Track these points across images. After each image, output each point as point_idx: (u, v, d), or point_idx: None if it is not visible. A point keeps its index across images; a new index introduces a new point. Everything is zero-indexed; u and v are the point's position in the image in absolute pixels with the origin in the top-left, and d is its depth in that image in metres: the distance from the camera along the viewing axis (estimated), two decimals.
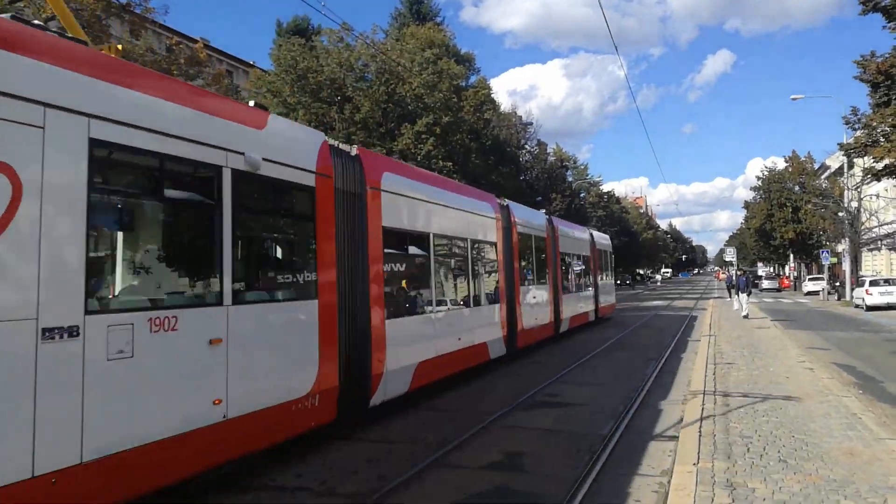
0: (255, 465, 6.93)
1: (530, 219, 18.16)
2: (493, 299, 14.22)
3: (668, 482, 6.22)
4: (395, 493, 6.32)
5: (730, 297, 27.69)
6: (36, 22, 5.49)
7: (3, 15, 4.90)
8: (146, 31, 20.97)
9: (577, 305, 22.12)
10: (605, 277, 27.85)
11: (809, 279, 52.88)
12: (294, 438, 7.34)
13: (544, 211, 20.57)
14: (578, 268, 22.82)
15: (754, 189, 64.18)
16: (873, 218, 41.58)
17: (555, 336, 19.07)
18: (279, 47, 28.01)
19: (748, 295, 26.70)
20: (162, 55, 21.51)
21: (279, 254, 8.43)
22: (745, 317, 25.23)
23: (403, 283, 10.71)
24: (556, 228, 20.14)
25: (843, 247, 43.56)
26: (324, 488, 6.56)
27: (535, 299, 17.29)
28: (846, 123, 31.48)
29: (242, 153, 6.65)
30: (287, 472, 7.04)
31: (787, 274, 69.55)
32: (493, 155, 36.16)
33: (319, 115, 26.33)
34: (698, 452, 6.82)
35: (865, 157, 32.24)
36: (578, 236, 23.71)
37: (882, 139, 28.26)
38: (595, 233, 27.78)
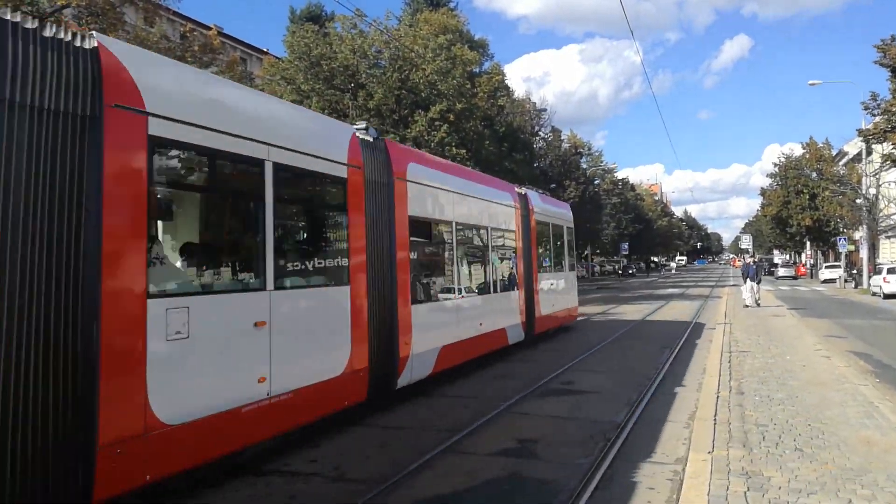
0: (270, 450, 6.97)
1: (252, 122, 6.89)
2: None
3: (683, 470, 6.20)
4: (407, 478, 6.33)
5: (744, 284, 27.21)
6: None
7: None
8: (160, 19, 20.99)
9: (473, 321, 12.22)
10: (556, 267, 18.30)
11: (826, 267, 52.40)
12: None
13: (364, 125, 9.86)
14: (483, 252, 13.46)
15: (771, 176, 63.52)
16: (891, 205, 41.04)
17: (381, 393, 9.10)
18: (292, 34, 27.91)
19: (758, 283, 26.26)
20: (176, 43, 21.53)
21: None
22: (758, 305, 24.98)
23: None
24: (396, 163, 9.79)
25: (860, 234, 43.10)
26: (336, 473, 6.59)
27: (250, 335, 6.55)
28: (865, 109, 31.12)
29: None
30: (300, 457, 7.07)
31: (804, 261, 68.93)
32: (506, 142, 36.00)
33: (333, 102, 26.28)
34: (713, 440, 6.78)
35: (884, 144, 31.78)
36: (481, 194, 13.28)
37: None
38: (532, 194, 16.93)
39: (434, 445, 7.34)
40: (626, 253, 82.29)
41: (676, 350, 14.62)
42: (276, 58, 31.51)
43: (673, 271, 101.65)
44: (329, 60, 25.82)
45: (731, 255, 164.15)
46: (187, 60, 19.30)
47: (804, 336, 15.69)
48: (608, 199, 70.22)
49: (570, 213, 20.90)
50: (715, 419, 7.67)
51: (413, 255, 10.26)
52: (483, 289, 13.35)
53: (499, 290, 13.95)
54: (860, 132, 33.96)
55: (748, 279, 26.25)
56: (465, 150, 27.01)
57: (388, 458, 7.00)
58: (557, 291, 17.96)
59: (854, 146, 48.33)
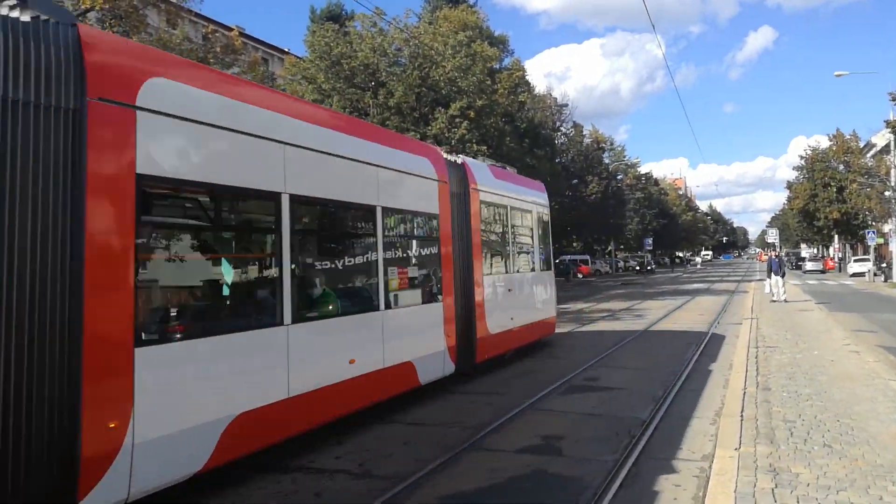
0: (295, 447, 7.02)
1: None
2: None
3: (710, 467, 6.14)
4: (431, 475, 6.35)
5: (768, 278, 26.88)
6: None
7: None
8: (182, 21, 21.18)
9: (330, 357, 7.59)
10: (519, 266, 13.77)
11: (855, 260, 51.62)
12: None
13: None
14: (364, 246, 8.79)
15: (797, 169, 62.55)
16: None
17: None
18: (313, 33, 28.06)
19: (782, 277, 25.90)
20: (198, 44, 21.71)
21: None
22: (785, 301, 24.59)
23: None
24: (100, 72, 5.08)
25: (889, 227, 42.35)
26: (361, 470, 6.62)
27: None
28: (893, 100, 30.57)
29: None
30: (325, 454, 7.12)
31: (832, 255, 67.93)
32: (527, 138, 35.91)
33: (354, 100, 26.38)
34: (740, 437, 6.71)
35: None
36: (359, 153, 8.49)
37: None
38: (476, 165, 12.51)
39: (458, 442, 7.35)
40: (650, 248, 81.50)
41: (702, 346, 14.48)
42: (298, 57, 31.68)
43: (698, 266, 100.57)
44: (349, 59, 25.91)
45: (758, 250, 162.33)
46: (209, 61, 19.49)
47: (832, 331, 15.46)
48: (631, 195, 69.78)
49: (545, 194, 16.08)
50: (742, 415, 7.59)
51: (150, 252, 5.78)
52: (361, 303, 8.50)
53: (398, 303, 9.10)
54: (888, 123, 33.42)
55: (772, 273, 25.95)
56: (485, 147, 26.95)
57: (412, 455, 7.02)
58: (520, 299, 13.53)
59: (882, 137, 47.46)
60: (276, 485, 6.25)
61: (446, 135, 26.05)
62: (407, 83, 26.19)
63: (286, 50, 42.66)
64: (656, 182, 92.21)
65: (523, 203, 14.33)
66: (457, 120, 26.35)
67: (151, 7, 19.06)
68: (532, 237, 14.82)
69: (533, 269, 14.64)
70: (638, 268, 73.11)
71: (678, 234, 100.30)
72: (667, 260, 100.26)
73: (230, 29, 23.79)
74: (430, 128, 26.30)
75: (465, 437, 7.59)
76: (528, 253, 14.57)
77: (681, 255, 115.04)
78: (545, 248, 15.71)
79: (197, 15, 23.14)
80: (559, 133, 49.67)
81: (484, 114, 27.92)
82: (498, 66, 35.08)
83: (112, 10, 17.33)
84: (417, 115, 27.07)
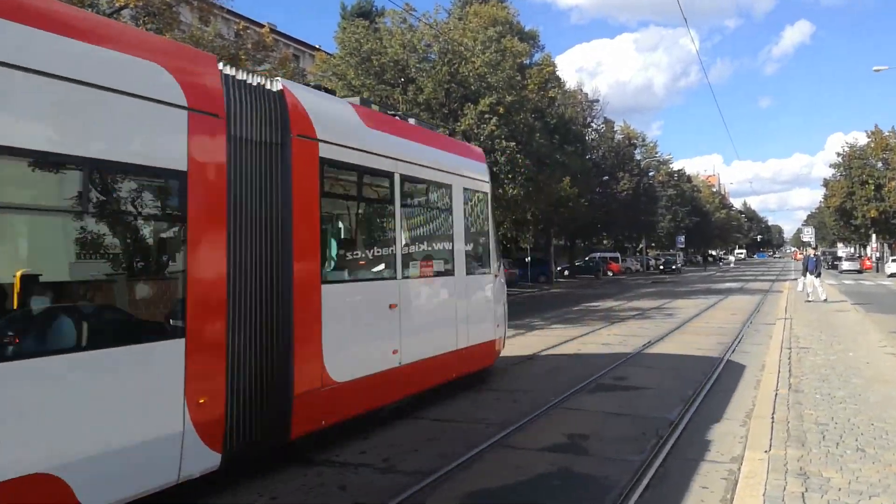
0: (320, 441, 7.06)
1: None
2: None
3: (739, 469, 6.04)
4: (455, 472, 6.33)
5: (803, 277, 26.45)
6: None
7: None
8: (215, 18, 21.39)
9: None
10: (407, 268, 8.50)
11: (893, 260, 50.56)
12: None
13: None
14: None
15: (834, 166, 61.31)
16: None
17: None
18: (343, 30, 28.17)
19: (818, 276, 25.36)
20: (230, 41, 21.92)
21: None
22: (825, 300, 24.10)
23: None
24: None
25: None
26: (386, 465, 6.63)
27: None
28: None
29: None
30: (350, 448, 7.14)
31: (869, 255, 66.48)
32: (557, 134, 35.72)
33: (383, 96, 26.43)
34: (771, 439, 6.59)
35: None
36: None
37: None
38: (317, 96, 7.48)
39: (483, 439, 7.33)
40: (683, 246, 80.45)
41: (734, 346, 14.28)
42: (328, 54, 31.84)
43: (731, 265, 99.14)
44: (379, 55, 25.96)
45: (793, 249, 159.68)
46: (241, 58, 19.66)
47: (868, 332, 15.13)
48: (663, 191, 68.97)
49: (481, 164, 11.45)
50: (773, 417, 7.45)
51: None
52: None
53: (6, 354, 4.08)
54: None
55: (808, 272, 25.55)
56: (514, 143, 26.85)
57: (436, 451, 7.01)
58: (418, 319, 8.76)
59: None
60: (302, 478, 6.29)
61: (475, 131, 26.00)
62: (436, 79, 26.17)
63: (317, 47, 42.85)
64: (689, 179, 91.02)
65: (433, 172, 9.44)
66: (486, 116, 26.27)
67: (184, 4, 19.26)
68: (450, 224, 9.92)
69: (450, 272, 9.73)
70: (662, 266, 67.40)
71: (711, 232, 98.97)
72: (699, 258, 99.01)
73: (262, 26, 23.98)
74: (459, 124, 26.27)
75: (490, 434, 7.56)
76: (441, 248, 9.73)
77: (713, 253, 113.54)
78: (480, 239, 10.98)
79: (229, 12, 23.35)
80: (590, 129, 49.34)
81: (513, 110, 27.80)
82: (528, 62, 34.97)
83: (145, 7, 17.56)
84: (447, 111, 27.05)
